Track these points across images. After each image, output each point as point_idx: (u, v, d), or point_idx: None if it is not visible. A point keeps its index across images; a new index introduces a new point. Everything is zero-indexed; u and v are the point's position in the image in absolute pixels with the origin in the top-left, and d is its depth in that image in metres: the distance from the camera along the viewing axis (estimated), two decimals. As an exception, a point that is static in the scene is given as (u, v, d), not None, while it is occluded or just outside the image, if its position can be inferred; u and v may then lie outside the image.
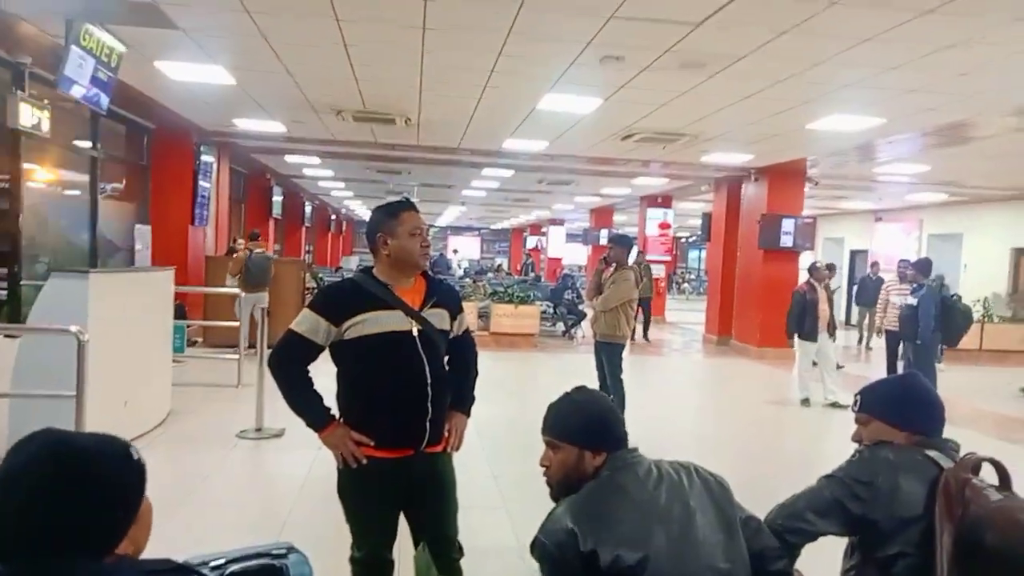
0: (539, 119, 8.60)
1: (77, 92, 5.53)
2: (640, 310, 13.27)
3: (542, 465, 1.89)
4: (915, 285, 8.01)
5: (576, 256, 28.38)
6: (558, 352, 11.73)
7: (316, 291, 2.36)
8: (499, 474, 5.04)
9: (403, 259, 2.37)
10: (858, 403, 2.10)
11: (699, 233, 19.64)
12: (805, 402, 8.13)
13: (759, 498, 2.01)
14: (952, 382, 9.18)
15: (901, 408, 2.02)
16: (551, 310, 14.13)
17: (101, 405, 4.90)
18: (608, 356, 6.32)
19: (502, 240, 40.01)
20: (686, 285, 31.33)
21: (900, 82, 6.29)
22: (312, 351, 2.32)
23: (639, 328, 13.27)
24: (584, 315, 12.41)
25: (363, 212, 28.67)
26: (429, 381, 2.33)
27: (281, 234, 19.12)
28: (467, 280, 16.69)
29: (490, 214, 28.97)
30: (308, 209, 21.71)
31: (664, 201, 16.86)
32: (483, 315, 12.43)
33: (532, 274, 22.37)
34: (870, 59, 5.67)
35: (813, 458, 6.16)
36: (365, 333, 2.29)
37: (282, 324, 2.45)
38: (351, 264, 25.14)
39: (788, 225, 11.66)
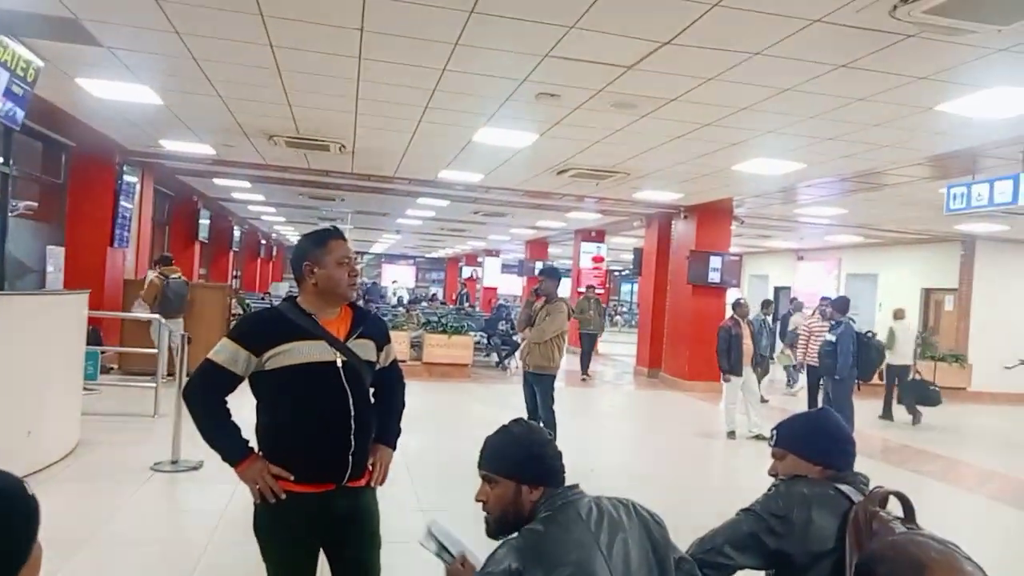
0: (475, 151, 8.68)
1: (-10, 106, 5.28)
2: (581, 343, 13.36)
3: (478, 500, 1.86)
4: (833, 322, 8.37)
5: (511, 287, 28.48)
6: (491, 383, 11.71)
7: (238, 319, 2.25)
8: (427, 508, 4.97)
9: (330, 289, 2.33)
10: (774, 438, 2.18)
11: (631, 267, 20.08)
12: (731, 435, 8.35)
13: (682, 529, 2.05)
14: (867, 415, 9.59)
15: (814, 443, 2.10)
16: (485, 340, 14.10)
17: (1, 434, 4.62)
18: (542, 387, 6.37)
19: (437, 269, 39.89)
20: (618, 317, 31.88)
21: (818, 130, 6.64)
22: (230, 381, 2.24)
23: (576, 362, 13.19)
24: (518, 346, 12.46)
25: (294, 237, 28.15)
26: (352, 413, 2.28)
27: (208, 258, 18.56)
28: (400, 309, 16.53)
29: (426, 243, 28.87)
30: (237, 233, 21.18)
31: (598, 235, 17.17)
32: (416, 344, 12.32)
33: (467, 304, 22.34)
34: (790, 107, 5.98)
35: (735, 489, 6.30)
36: (287, 364, 2.22)
37: (204, 352, 2.38)
38: (280, 290, 24.53)
39: (716, 262, 12.05)
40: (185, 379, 5.36)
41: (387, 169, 10.56)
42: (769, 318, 11.01)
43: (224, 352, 2.25)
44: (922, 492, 6.40)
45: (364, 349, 2.38)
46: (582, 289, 15.68)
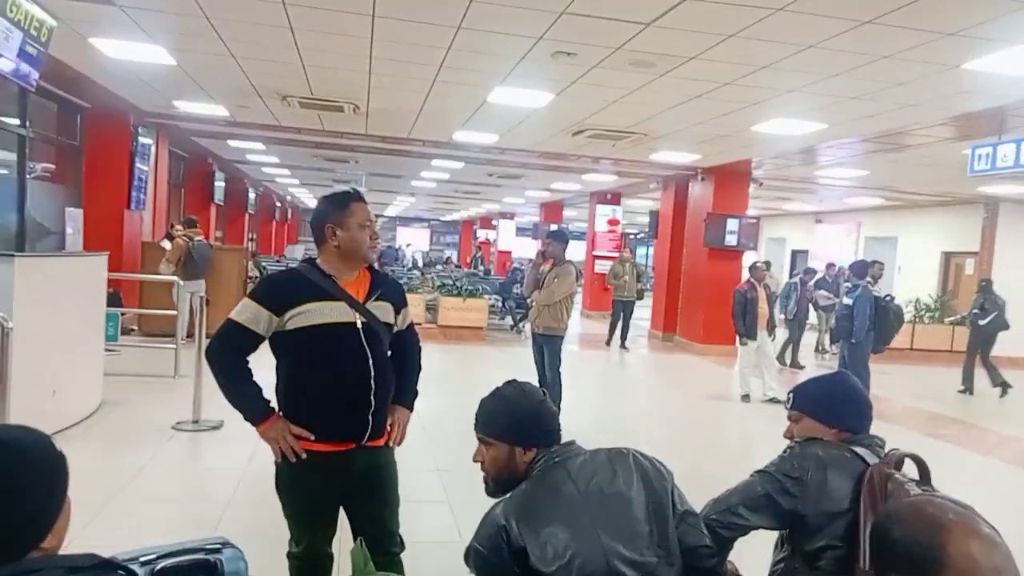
0: (490, 112, 8.60)
1: (4, 66, 5.28)
2: (612, 310, 12.91)
3: (475, 461, 1.91)
4: (850, 286, 8.32)
5: (525, 250, 28.43)
6: (505, 346, 11.76)
7: (258, 280, 2.30)
8: (443, 468, 5.04)
9: (352, 251, 2.36)
10: (790, 401, 2.19)
11: (647, 230, 19.96)
12: (745, 398, 8.37)
13: (697, 491, 2.07)
14: (884, 379, 9.56)
15: (830, 406, 2.11)
16: (499, 304, 14.14)
17: (28, 394, 4.72)
18: (550, 348, 6.45)
19: (452, 232, 39.77)
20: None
21: (841, 89, 6.50)
22: (252, 341, 2.27)
23: (616, 333, 12.39)
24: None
25: (309, 200, 28.17)
26: (372, 374, 2.32)
27: (223, 221, 18.64)
28: (416, 272, 16.56)
29: (440, 206, 28.80)
30: (252, 196, 21.21)
31: (613, 198, 17.05)
32: (431, 308, 12.38)
33: (481, 267, 22.35)
34: (812, 65, 5.85)
35: (750, 452, 6.35)
36: (307, 324, 2.25)
37: (223, 314, 2.40)
38: (296, 253, 24.69)
39: (733, 224, 11.94)
40: (205, 341, 5.43)
41: (401, 130, 10.50)
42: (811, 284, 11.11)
43: (246, 312, 2.27)
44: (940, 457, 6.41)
45: (383, 311, 2.41)
46: (598, 253, 15.53)
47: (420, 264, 22.84)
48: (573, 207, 21.80)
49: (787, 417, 2.20)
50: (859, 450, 1.98)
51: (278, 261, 19.23)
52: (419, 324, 12.12)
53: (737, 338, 8.56)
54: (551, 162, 12.61)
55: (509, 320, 14.02)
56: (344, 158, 14.54)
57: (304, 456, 2.28)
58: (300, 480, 2.31)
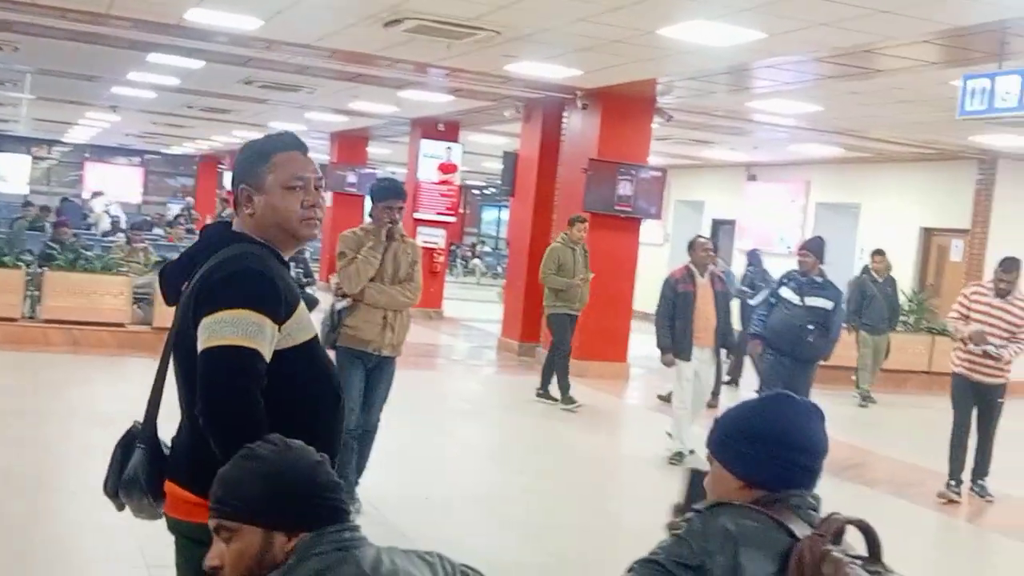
0: (248, -20, 8.38)
1: None
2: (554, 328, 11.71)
3: (209, 567, 1.96)
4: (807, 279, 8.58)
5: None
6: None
7: (236, 274, 2.51)
8: (155, 564, 4.89)
9: (276, 224, 2.58)
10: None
11: (499, 183, 20.21)
12: (676, 457, 8.17)
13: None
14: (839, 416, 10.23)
15: (736, 447, 2.19)
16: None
17: None
18: (389, 374, 6.43)
19: (183, 174, 38.62)
20: (477, 262, 32.20)
21: (787, -21, 6.86)
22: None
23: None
24: (317, 301, 12.19)
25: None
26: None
27: None
28: (116, 239, 15.85)
29: (163, 131, 28.00)
30: None
31: (448, 131, 17.15)
32: (143, 298, 11.89)
33: (232, 233, 21.74)
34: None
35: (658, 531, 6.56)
36: (305, 339, 2.58)
37: None
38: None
39: (627, 178, 12.31)
40: None
41: (96, 1, 9.97)
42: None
43: (250, 329, 2.43)
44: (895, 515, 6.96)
45: None
46: (423, 216, 15.34)
47: (124, 226, 21.81)
48: (385, 141, 21.72)
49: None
50: (784, 518, 2.07)
51: None
52: (122, 326, 11.67)
53: (662, 355, 8.36)
54: (350, 67, 12.55)
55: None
56: (-7, 42, 13.63)
57: None
58: None
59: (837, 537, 2.00)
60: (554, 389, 10.35)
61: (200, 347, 2.42)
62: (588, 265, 10.66)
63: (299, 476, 1.97)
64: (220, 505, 1.97)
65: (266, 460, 1.98)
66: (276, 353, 2.48)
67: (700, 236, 8.96)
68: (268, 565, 1.91)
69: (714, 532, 2.03)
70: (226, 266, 2.50)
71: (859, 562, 1.95)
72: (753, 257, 13.19)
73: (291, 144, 2.62)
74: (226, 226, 2.68)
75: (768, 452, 2.15)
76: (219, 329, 2.40)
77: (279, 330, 2.48)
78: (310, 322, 2.61)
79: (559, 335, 10.49)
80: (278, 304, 2.49)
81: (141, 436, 2.64)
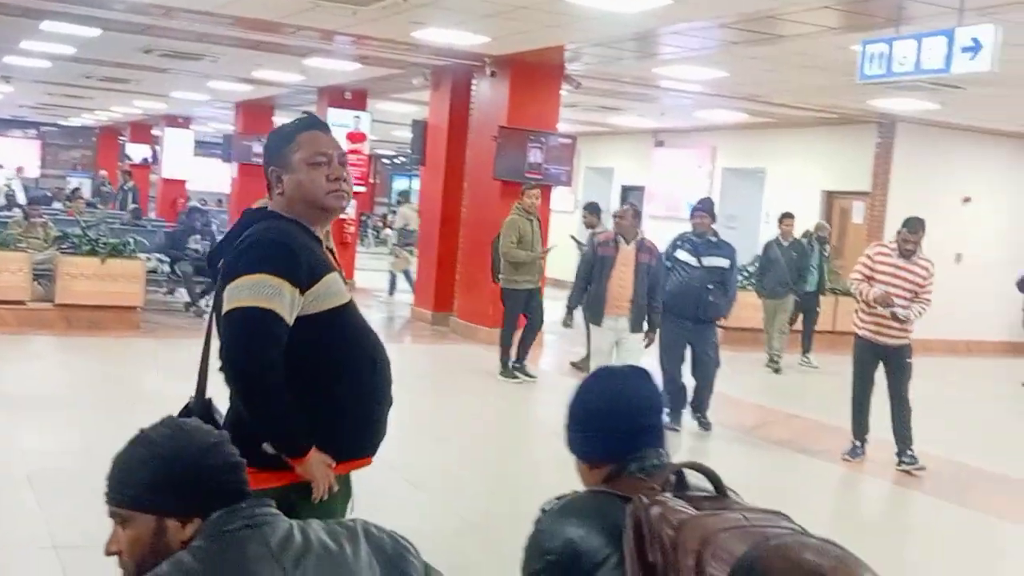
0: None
1: None
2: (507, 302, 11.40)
3: (109, 554, 1.92)
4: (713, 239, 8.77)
5: (213, 179, 27.65)
6: (177, 338, 11.43)
7: (255, 243, 2.74)
8: (62, 544, 4.87)
9: (304, 200, 2.81)
10: None
11: (408, 152, 20.13)
12: None
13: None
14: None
15: (570, 435, 2.29)
16: (167, 267, 13.70)
17: None
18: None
19: (82, 147, 37.71)
20: (388, 231, 31.96)
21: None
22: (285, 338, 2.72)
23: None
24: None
25: None
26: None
27: None
28: (14, 214, 15.51)
29: (60, 102, 27.31)
30: None
31: (356, 100, 17.05)
32: (43, 275, 11.66)
33: (134, 206, 21.44)
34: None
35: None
36: (335, 305, 2.81)
37: None
38: None
39: (538, 146, 12.40)
40: None
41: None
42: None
43: (269, 292, 2.66)
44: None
45: None
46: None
47: (21, 200, 21.31)
48: (290, 110, 21.44)
49: None
50: (619, 487, 2.10)
51: None
52: (22, 303, 11.42)
53: (569, 316, 8.73)
54: (253, 35, 12.41)
55: (184, 294, 13.67)
56: None
57: (336, 489, 2.80)
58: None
59: (665, 484, 2.03)
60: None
61: (223, 311, 2.70)
62: (544, 237, 10.74)
63: (187, 461, 1.90)
64: (109, 492, 1.92)
65: (153, 444, 1.92)
66: (304, 318, 2.72)
67: (627, 203, 9.23)
68: (163, 551, 1.86)
69: (556, 534, 2.04)
70: (247, 238, 2.75)
71: (699, 500, 1.96)
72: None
73: (313, 124, 2.90)
74: (262, 209, 2.91)
75: (594, 428, 2.24)
76: (237, 293, 2.66)
77: (301, 294, 2.70)
78: (342, 290, 2.83)
79: (513, 311, 10.53)
80: (296, 268, 2.68)
81: (195, 410, 2.81)
